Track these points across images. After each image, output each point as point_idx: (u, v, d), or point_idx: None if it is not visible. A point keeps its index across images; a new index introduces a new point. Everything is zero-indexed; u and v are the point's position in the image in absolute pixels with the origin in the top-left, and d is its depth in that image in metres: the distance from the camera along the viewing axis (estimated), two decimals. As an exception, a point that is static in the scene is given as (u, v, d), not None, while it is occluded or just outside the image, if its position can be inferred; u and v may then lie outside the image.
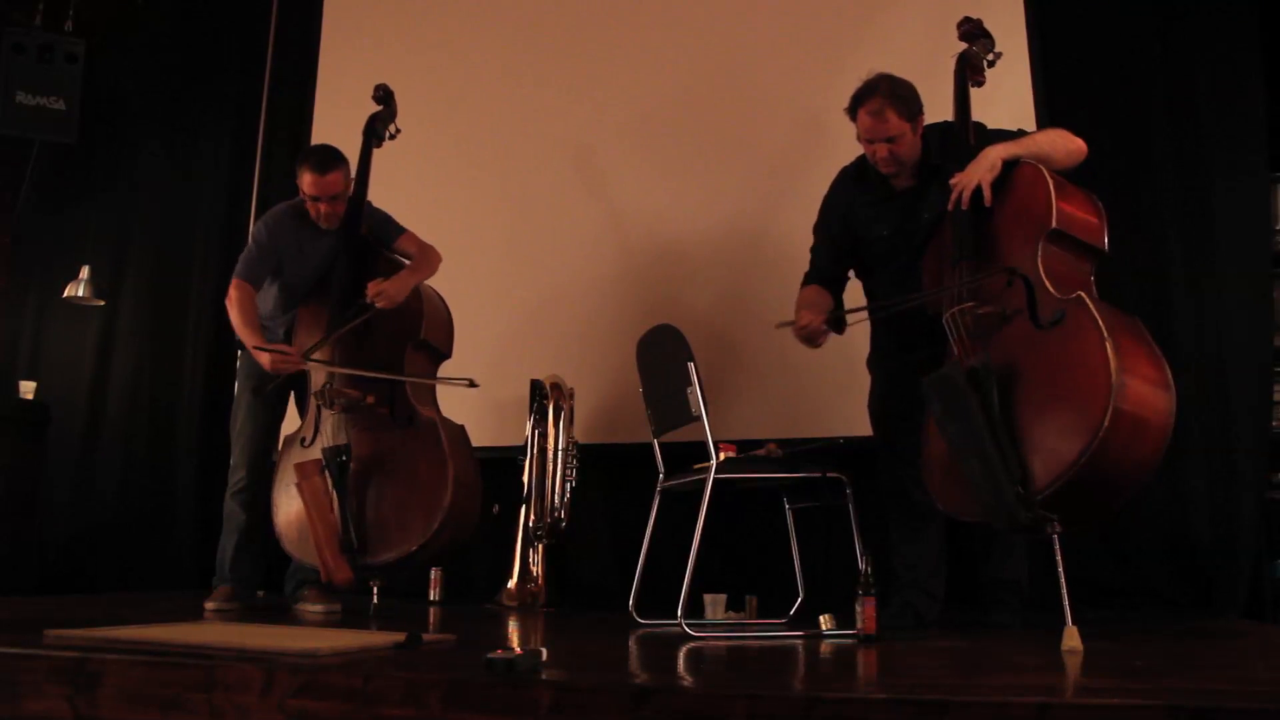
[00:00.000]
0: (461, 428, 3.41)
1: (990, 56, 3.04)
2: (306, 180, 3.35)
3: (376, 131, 3.65)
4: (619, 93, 4.43)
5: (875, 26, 4.08)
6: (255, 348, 3.33)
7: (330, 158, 3.37)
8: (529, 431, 4.10)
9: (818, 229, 3.23)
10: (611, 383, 4.13)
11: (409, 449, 3.28)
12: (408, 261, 3.50)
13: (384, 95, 3.70)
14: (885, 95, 2.89)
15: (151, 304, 5.06)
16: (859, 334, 3.26)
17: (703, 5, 4.39)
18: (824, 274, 3.18)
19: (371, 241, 3.52)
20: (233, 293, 3.43)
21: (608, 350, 4.10)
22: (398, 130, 3.71)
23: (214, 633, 2.38)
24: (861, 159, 3.10)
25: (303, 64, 5.01)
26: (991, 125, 2.99)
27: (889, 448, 3.09)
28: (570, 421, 4.13)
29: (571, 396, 4.15)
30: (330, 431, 3.32)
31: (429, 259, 3.50)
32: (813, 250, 3.24)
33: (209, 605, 3.36)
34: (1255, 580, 3.49)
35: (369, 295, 3.27)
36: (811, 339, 3.00)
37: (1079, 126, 2.92)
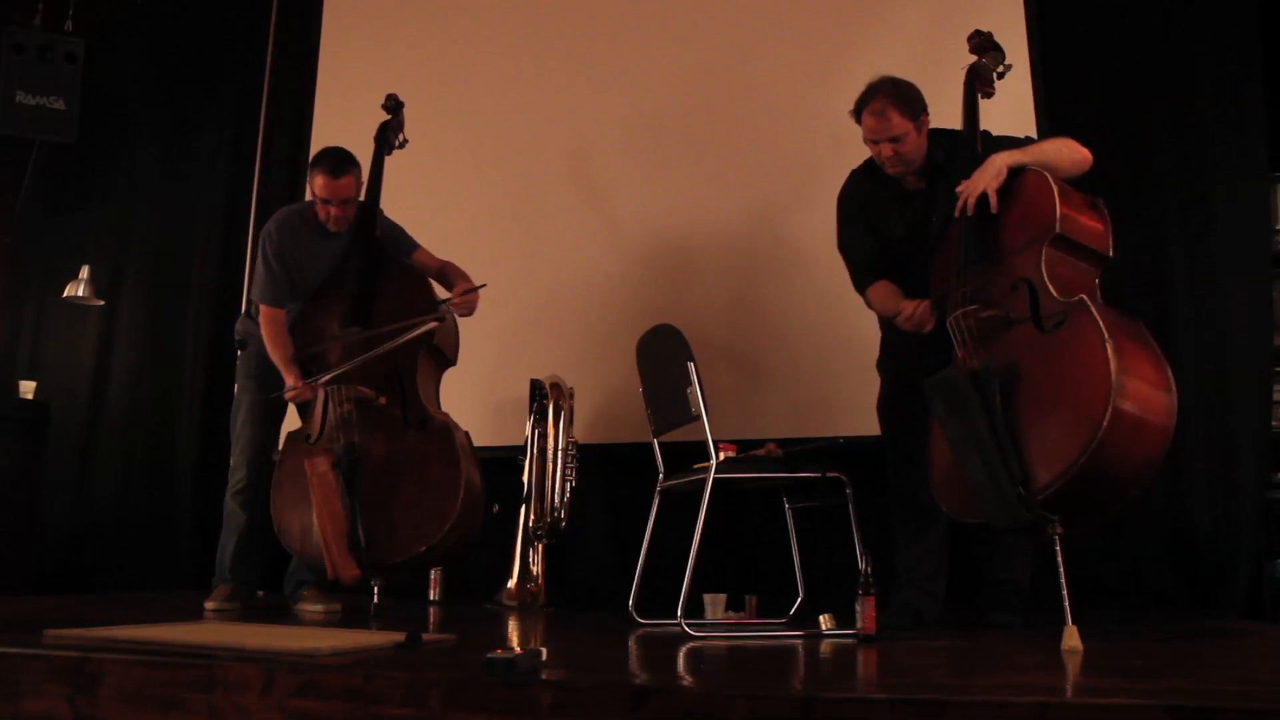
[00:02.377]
0: (467, 433, 3.42)
1: (1000, 69, 3.06)
2: (319, 183, 3.35)
3: (387, 140, 3.67)
4: (619, 92, 4.42)
5: (877, 31, 4.07)
6: (289, 388, 3.37)
7: (344, 161, 3.37)
8: (529, 431, 4.10)
9: (845, 233, 3.17)
10: (611, 383, 4.13)
11: (421, 451, 3.28)
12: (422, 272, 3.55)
13: (394, 105, 3.73)
14: (888, 96, 2.93)
15: (151, 304, 5.06)
16: (861, 333, 3.27)
17: (707, 6, 4.39)
18: (877, 268, 3.10)
19: (386, 246, 3.53)
20: (262, 321, 3.46)
21: (608, 350, 4.09)
22: (405, 140, 3.72)
23: (214, 633, 2.38)
24: (870, 161, 3.11)
25: (303, 64, 5.01)
26: (992, 128, 2.99)
27: (896, 449, 3.09)
28: (570, 421, 4.13)
29: (571, 396, 4.15)
30: (340, 429, 3.30)
31: (462, 271, 3.55)
32: (849, 253, 3.16)
33: (209, 605, 3.36)
34: (1255, 580, 3.49)
35: (455, 301, 3.36)
36: (921, 325, 2.88)
37: (1079, 128, 2.94)
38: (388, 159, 3.67)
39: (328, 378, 3.32)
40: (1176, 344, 3.56)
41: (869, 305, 3.14)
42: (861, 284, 3.14)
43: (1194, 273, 3.73)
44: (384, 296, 3.43)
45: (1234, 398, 3.61)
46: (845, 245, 3.19)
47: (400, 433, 3.31)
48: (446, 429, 3.31)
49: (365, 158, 3.53)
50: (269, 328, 3.44)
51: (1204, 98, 3.78)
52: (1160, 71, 3.87)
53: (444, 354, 3.53)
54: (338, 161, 3.36)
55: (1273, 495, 3.59)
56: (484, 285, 3.43)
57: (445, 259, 3.61)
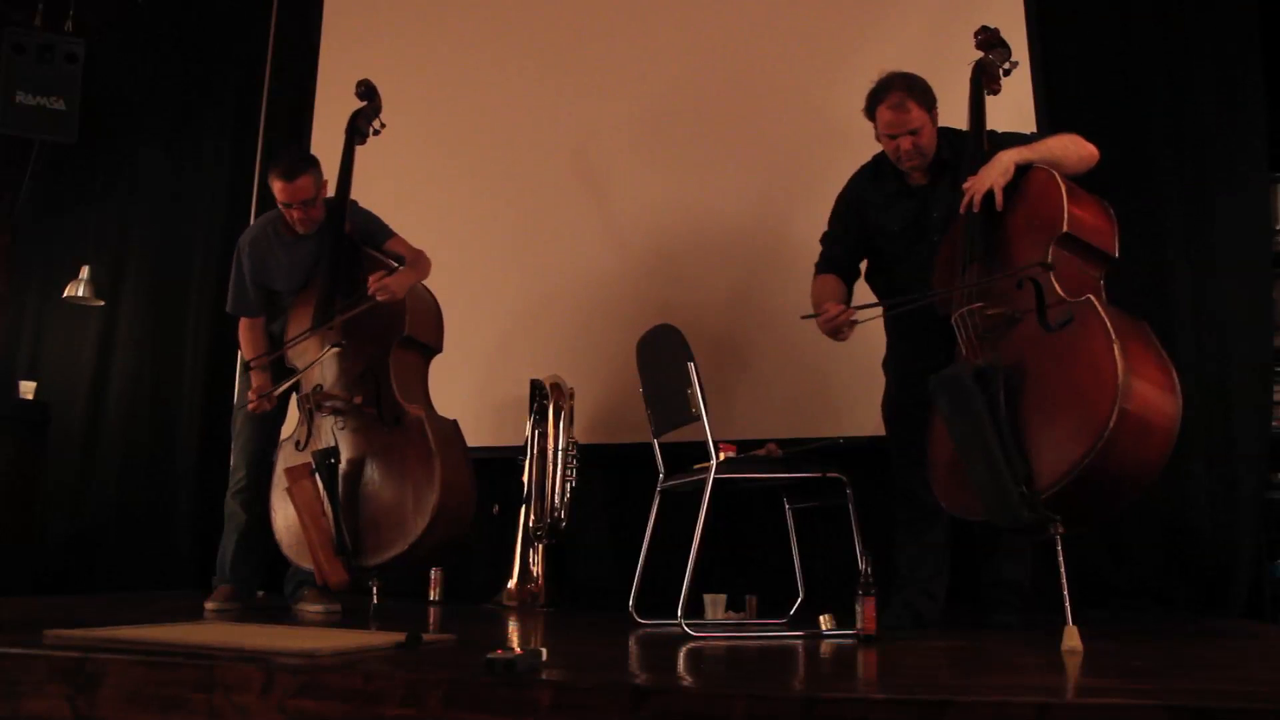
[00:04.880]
0: (453, 423, 3.39)
1: (1006, 65, 3.07)
2: (276, 187, 3.32)
3: (359, 128, 3.63)
4: (621, 90, 4.42)
5: (880, 27, 4.07)
6: (249, 404, 3.42)
7: (298, 162, 3.34)
8: (529, 431, 4.10)
9: (833, 221, 3.22)
10: (611, 383, 4.13)
11: (397, 448, 3.27)
12: (393, 263, 3.46)
13: (367, 91, 3.67)
14: (903, 88, 2.93)
15: (151, 304, 5.06)
16: (862, 334, 3.26)
17: (708, 5, 4.38)
18: (837, 264, 3.16)
19: (356, 240, 3.49)
20: (240, 330, 3.54)
21: (608, 350, 4.09)
22: (382, 125, 3.68)
23: (214, 633, 2.38)
24: (877, 158, 3.12)
25: (303, 64, 5.01)
26: (992, 126, 2.99)
27: (900, 449, 3.09)
28: (570, 421, 4.12)
29: (571, 396, 4.15)
30: (321, 434, 3.33)
31: (422, 262, 3.46)
32: (826, 240, 3.22)
33: (209, 605, 3.36)
34: (1255, 580, 3.49)
35: (371, 288, 3.24)
36: (838, 331, 2.94)
37: (1079, 128, 2.93)
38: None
39: (282, 389, 3.40)
40: (1176, 344, 3.56)
41: (811, 293, 3.15)
42: (817, 269, 3.19)
43: (1194, 273, 3.73)
44: (356, 292, 3.38)
45: (1234, 398, 3.61)
46: (825, 235, 3.23)
47: (376, 431, 3.30)
48: (420, 422, 3.27)
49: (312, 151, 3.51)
50: (243, 334, 3.52)
51: (1204, 98, 3.78)
52: (1160, 71, 3.86)
53: (422, 343, 3.49)
54: (291, 163, 3.33)
55: (1273, 495, 3.59)
56: (399, 268, 3.35)
57: (420, 248, 3.52)
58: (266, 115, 5.05)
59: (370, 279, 3.26)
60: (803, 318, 3.03)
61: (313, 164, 3.37)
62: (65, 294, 4.93)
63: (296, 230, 3.41)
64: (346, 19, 4.99)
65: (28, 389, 4.86)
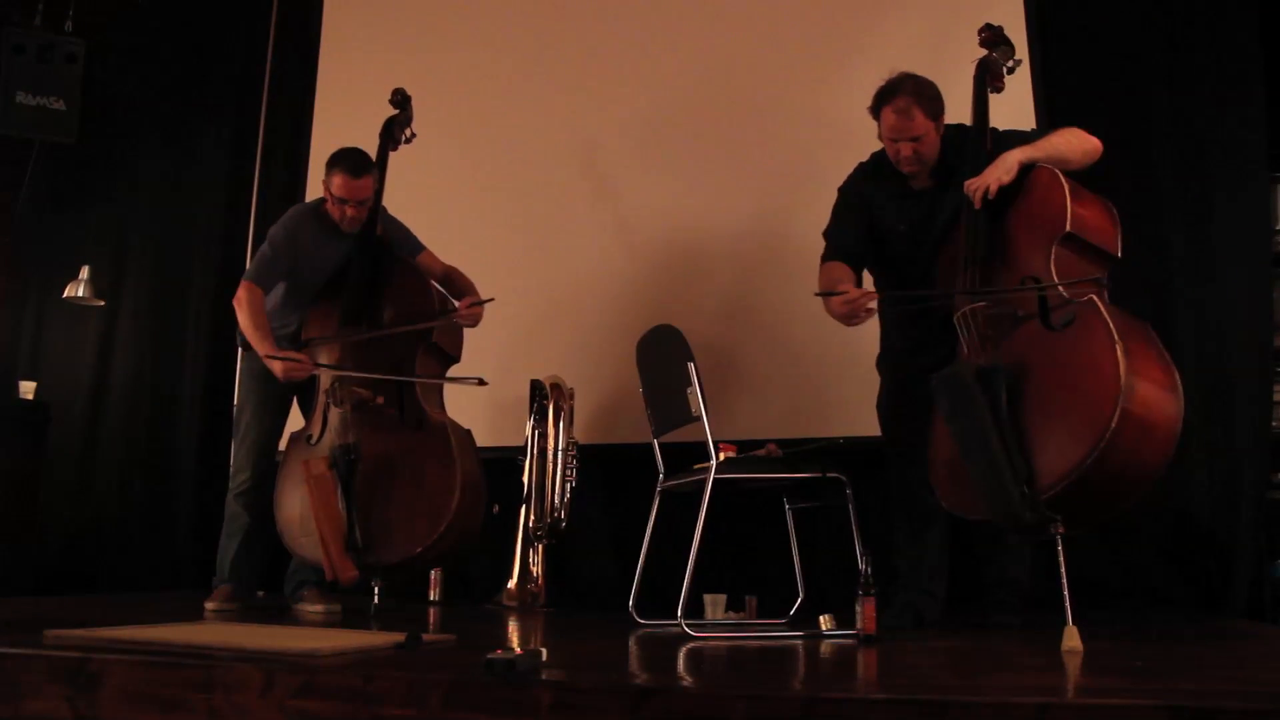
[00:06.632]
0: (468, 432, 3.42)
1: (1010, 63, 3.06)
2: (338, 182, 3.34)
3: (393, 135, 3.66)
4: (623, 93, 4.42)
5: (883, 29, 4.07)
6: (267, 356, 3.30)
7: (365, 162, 3.38)
8: (529, 431, 4.10)
9: (836, 212, 3.15)
10: (611, 383, 4.13)
11: (418, 451, 3.28)
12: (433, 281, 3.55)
13: (401, 100, 3.72)
14: (911, 94, 2.89)
15: (151, 304, 5.06)
16: (861, 333, 3.26)
17: (713, 6, 4.38)
18: (845, 252, 3.06)
19: (387, 245, 3.53)
20: (242, 295, 3.38)
21: (608, 350, 4.09)
22: (413, 134, 3.72)
23: (214, 633, 2.38)
24: (877, 155, 3.10)
25: (303, 64, 5.01)
26: (993, 125, 2.99)
27: (897, 449, 3.09)
28: (570, 421, 4.13)
29: (571, 396, 4.15)
30: (338, 430, 3.31)
31: (466, 280, 3.57)
32: (830, 233, 3.14)
33: (209, 605, 3.36)
34: (1255, 580, 3.49)
35: (461, 313, 3.38)
36: (854, 315, 2.85)
37: (1079, 127, 2.93)
38: (391, 157, 3.67)
39: (337, 372, 3.32)
40: (1176, 344, 3.55)
41: (819, 279, 3.05)
42: (824, 257, 3.10)
43: (1194, 272, 3.73)
44: (386, 295, 3.44)
45: (1234, 398, 3.61)
46: (829, 228, 3.15)
47: (397, 433, 3.31)
48: (443, 428, 3.30)
49: (370, 154, 3.53)
50: (250, 302, 3.36)
51: (1204, 97, 3.78)
52: (1160, 71, 3.87)
53: (446, 352, 3.53)
54: (358, 162, 3.36)
55: (1273, 495, 3.59)
56: (491, 299, 3.45)
57: (451, 264, 3.61)
58: (266, 115, 5.05)
59: (461, 305, 3.41)
60: (816, 294, 2.93)
61: (375, 166, 3.44)
62: (65, 294, 4.92)
63: (341, 228, 3.43)
64: (346, 19, 4.99)
65: (28, 389, 4.86)
